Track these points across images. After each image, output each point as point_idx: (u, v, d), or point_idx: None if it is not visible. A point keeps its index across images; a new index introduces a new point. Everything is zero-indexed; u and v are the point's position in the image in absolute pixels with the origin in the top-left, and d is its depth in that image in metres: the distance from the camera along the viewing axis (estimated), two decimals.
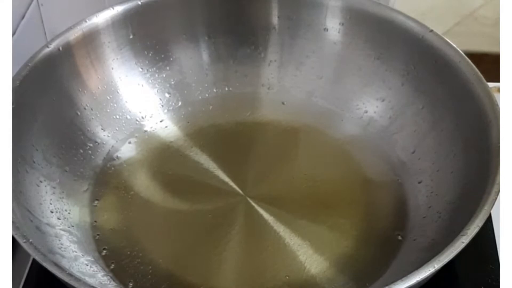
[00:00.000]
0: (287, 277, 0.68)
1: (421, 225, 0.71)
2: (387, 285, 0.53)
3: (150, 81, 0.87)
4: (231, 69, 0.89)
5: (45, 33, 0.86)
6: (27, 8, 0.81)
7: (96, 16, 0.80)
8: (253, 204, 0.75)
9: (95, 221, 0.73)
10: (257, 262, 0.69)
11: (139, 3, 0.83)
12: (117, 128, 0.83)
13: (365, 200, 0.76)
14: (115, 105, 0.83)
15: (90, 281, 0.62)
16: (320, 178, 0.78)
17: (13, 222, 0.58)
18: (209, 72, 0.89)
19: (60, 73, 0.77)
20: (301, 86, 0.87)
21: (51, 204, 0.71)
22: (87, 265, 0.67)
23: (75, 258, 0.67)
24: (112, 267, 0.69)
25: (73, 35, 0.78)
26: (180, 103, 0.87)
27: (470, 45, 0.98)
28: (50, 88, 0.76)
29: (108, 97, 0.83)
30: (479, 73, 0.72)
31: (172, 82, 0.87)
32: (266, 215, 0.73)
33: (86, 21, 0.79)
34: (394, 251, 0.70)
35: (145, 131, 0.84)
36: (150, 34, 0.85)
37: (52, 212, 0.70)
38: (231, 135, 0.83)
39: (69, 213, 0.72)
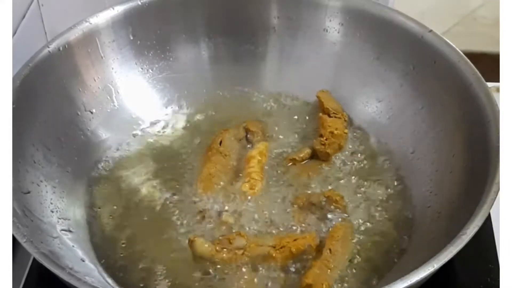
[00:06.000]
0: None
1: (420, 225, 0.71)
2: (387, 284, 0.53)
3: (150, 81, 0.87)
4: (231, 69, 0.89)
5: (45, 33, 0.86)
6: (28, 8, 0.81)
7: (97, 16, 0.80)
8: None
9: (95, 220, 0.73)
10: None
11: (139, 3, 0.83)
12: (117, 128, 0.83)
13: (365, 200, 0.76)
14: (115, 105, 0.83)
15: (90, 280, 0.62)
16: None
17: (14, 222, 0.58)
18: (209, 72, 0.89)
19: (61, 73, 0.77)
20: (300, 86, 0.87)
21: (51, 203, 0.71)
22: (87, 264, 0.67)
23: (75, 257, 0.67)
24: (111, 267, 0.69)
25: (74, 35, 0.78)
26: (180, 103, 0.87)
27: (469, 45, 0.98)
28: (50, 88, 0.76)
29: (108, 97, 0.83)
30: (478, 73, 0.73)
31: (172, 82, 0.87)
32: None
33: (86, 21, 0.79)
34: (394, 250, 0.70)
35: (145, 130, 0.84)
36: (150, 34, 0.85)
37: (52, 211, 0.70)
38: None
39: (69, 213, 0.72)
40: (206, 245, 0.67)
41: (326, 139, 0.79)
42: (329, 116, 0.81)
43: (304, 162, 0.79)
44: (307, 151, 0.80)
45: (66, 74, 0.78)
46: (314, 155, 0.80)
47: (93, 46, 0.80)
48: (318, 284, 0.64)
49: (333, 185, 0.77)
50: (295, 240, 0.68)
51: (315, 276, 0.64)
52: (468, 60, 0.74)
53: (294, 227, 0.72)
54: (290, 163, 0.79)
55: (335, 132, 0.79)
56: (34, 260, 0.71)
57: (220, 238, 0.69)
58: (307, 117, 0.85)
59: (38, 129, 0.73)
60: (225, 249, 0.67)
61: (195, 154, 0.81)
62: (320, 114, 0.82)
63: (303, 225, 0.72)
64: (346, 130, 0.81)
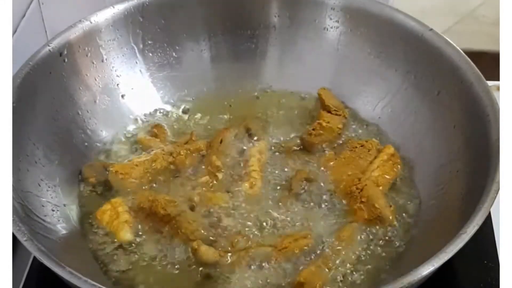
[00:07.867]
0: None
1: (421, 224, 0.71)
2: (387, 283, 0.54)
3: (151, 80, 0.87)
4: (232, 68, 0.89)
5: (45, 32, 0.86)
6: (28, 7, 0.81)
7: (97, 15, 0.80)
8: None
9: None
10: None
11: (140, 2, 0.83)
12: (117, 127, 0.83)
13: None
14: (116, 103, 0.83)
15: (90, 279, 0.62)
16: None
17: (14, 220, 0.58)
18: (209, 70, 0.89)
19: (61, 72, 0.77)
20: (301, 85, 0.88)
21: (51, 202, 0.71)
22: (87, 263, 0.67)
23: (75, 255, 0.67)
24: (110, 266, 0.69)
25: (74, 34, 0.78)
26: (180, 102, 0.87)
27: (469, 43, 0.98)
28: (51, 86, 0.76)
29: (109, 96, 0.83)
30: (479, 72, 0.73)
31: (173, 81, 0.87)
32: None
33: (86, 20, 0.79)
34: (394, 249, 0.70)
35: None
36: (150, 33, 0.85)
37: (53, 210, 0.70)
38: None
39: (69, 211, 0.72)
40: (211, 252, 0.67)
41: (313, 129, 0.80)
42: (330, 112, 0.82)
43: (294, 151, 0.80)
44: (296, 141, 0.81)
45: (66, 72, 0.78)
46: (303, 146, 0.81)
47: (93, 45, 0.80)
48: (311, 283, 0.64)
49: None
50: (296, 240, 0.68)
51: (308, 275, 0.65)
52: (469, 59, 0.74)
53: (292, 225, 0.72)
54: (276, 152, 0.80)
55: (324, 124, 0.79)
56: (35, 258, 0.71)
57: (223, 244, 0.69)
58: (308, 116, 0.85)
59: (38, 127, 0.73)
60: (228, 253, 0.67)
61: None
62: (321, 110, 0.82)
63: (305, 224, 0.72)
64: (340, 126, 0.80)
